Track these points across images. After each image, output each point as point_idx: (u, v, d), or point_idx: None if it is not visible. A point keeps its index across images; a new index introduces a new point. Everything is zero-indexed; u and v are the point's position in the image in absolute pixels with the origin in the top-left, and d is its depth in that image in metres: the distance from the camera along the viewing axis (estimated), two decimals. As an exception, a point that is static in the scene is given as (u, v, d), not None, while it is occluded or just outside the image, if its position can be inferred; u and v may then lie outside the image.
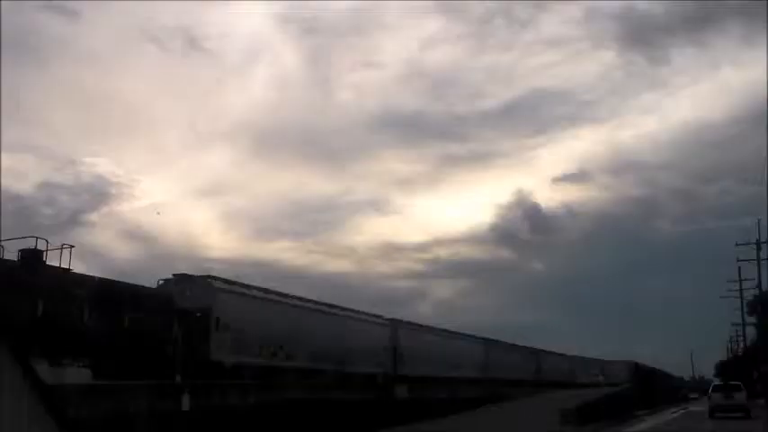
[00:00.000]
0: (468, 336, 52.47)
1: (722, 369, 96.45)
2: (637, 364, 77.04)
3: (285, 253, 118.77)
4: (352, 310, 39.93)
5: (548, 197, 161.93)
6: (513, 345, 60.37)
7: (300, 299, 35.64)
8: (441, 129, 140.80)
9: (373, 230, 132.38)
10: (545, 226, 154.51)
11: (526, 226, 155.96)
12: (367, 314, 41.08)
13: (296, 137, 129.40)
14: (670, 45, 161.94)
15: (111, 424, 18.63)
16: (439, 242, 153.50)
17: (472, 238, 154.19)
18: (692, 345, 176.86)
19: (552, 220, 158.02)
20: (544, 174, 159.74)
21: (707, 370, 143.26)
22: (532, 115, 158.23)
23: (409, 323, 43.30)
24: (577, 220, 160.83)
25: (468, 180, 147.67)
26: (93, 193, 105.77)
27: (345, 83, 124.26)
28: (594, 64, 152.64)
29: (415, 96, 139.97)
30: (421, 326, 44.92)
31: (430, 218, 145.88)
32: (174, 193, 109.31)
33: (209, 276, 29.45)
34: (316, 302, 36.73)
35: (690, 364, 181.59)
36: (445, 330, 49.10)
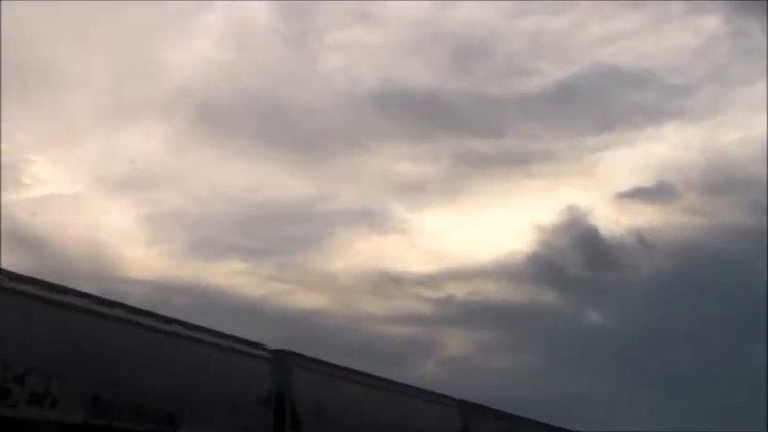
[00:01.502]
0: (433, 394, 33.69)
1: None
2: None
3: (236, 278, 78.21)
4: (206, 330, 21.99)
5: (611, 219, 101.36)
6: (524, 418, 40.59)
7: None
8: (462, 116, 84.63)
9: (363, 253, 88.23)
10: (605, 259, 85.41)
11: (579, 259, 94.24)
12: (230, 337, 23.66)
13: (259, 115, 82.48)
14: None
15: None
16: (454, 275, 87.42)
17: (501, 272, 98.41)
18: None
19: (616, 251, 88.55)
20: (607, 186, 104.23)
21: None
22: (594, 104, 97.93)
23: (315, 361, 24.96)
24: (652, 253, 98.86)
25: (498, 190, 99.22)
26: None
27: (331, 43, 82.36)
28: (688, 33, 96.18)
29: (429, 69, 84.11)
30: (338, 368, 26.37)
31: (443, 240, 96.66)
32: (80, 183, 72.21)
33: None
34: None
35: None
36: (389, 381, 30.53)
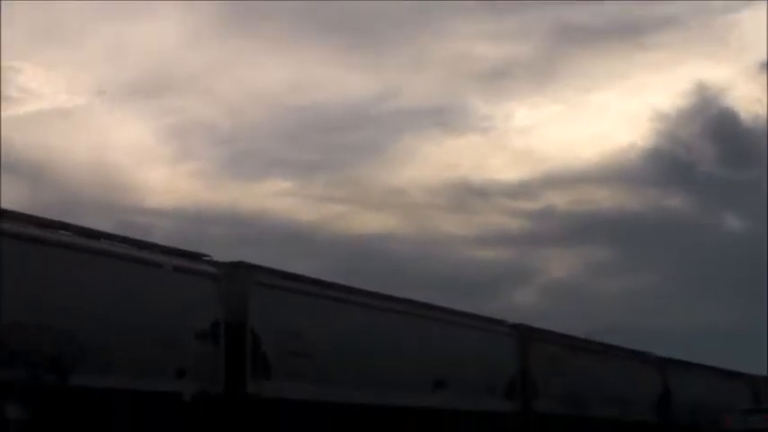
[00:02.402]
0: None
1: None
2: None
3: (280, 200, 62.77)
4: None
5: (752, 98, 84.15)
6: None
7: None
8: None
9: (436, 161, 68.01)
10: (746, 151, 73.21)
11: (711, 152, 79.03)
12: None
13: None
14: None
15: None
16: (553, 181, 74.35)
17: (612, 175, 76.00)
18: None
19: (759, 139, 71.44)
20: (746, 56, 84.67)
21: None
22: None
23: (289, 276, 18.86)
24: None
25: (605, 70, 74.23)
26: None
27: None
28: None
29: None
30: (323, 284, 20.08)
31: (536, 138, 75.20)
32: (82, 92, 56.52)
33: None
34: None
35: None
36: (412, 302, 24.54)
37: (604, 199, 71.66)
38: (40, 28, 48.27)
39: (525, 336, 25.96)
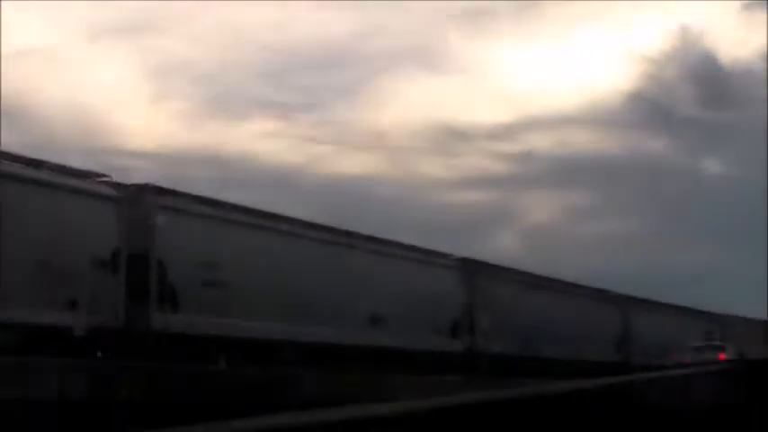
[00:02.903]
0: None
1: None
2: None
3: (263, 142, 64.30)
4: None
5: (735, 39, 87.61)
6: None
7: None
8: None
9: (418, 102, 67.32)
10: (727, 94, 72.52)
11: (693, 94, 78.08)
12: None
13: None
14: None
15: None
16: (534, 123, 75.90)
17: (594, 117, 76.58)
18: None
19: (741, 81, 74.05)
20: None
21: None
22: None
23: (198, 199, 16.67)
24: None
25: (587, 9, 72.82)
26: None
27: None
28: None
29: None
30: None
31: (518, 79, 75.35)
32: (59, 31, 55.37)
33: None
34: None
35: None
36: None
37: (585, 142, 71.44)
38: None
39: (472, 271, 24.53)
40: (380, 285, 20.87)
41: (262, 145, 62.71)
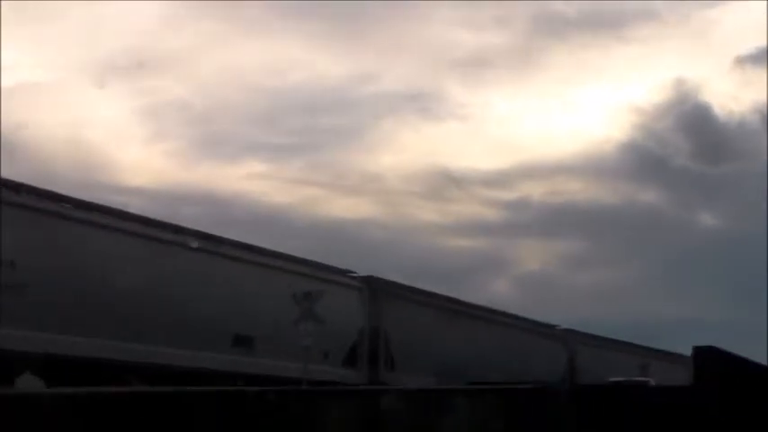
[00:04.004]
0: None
1: None
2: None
3: (255, 183, 64.20)
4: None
5: (728, 94, 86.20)
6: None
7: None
8: None
9: (413, 147, 68.90)
10: (721, 146, 70.90)
11: (687, 146, 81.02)
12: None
13: None
14: None
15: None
16: (529, 171, 74.56)
17: (588, 167, 76.46)
18: None
19: (734, 135, 70.96)
20: (723, 52, 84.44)
21: None
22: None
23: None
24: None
25: (584, 62, 74.24)
26: None
27: None
28: None
29: None
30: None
31: (514, 128, 74.59)
32: (58, 68, 57.39)
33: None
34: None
35: None
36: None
37: (579, 191, 73.09)
38: (20, 3, 47.18)
39: (378, 291, 21.17)
40: (253, 301, 17.48)
41: (254, 186, 63.22)
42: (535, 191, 74.36)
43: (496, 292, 55.57)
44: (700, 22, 69.09)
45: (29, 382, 13.32)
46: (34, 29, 48.10)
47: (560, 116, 76.12)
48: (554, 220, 64.58)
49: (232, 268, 17.26)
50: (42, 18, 48.14)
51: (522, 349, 25.50)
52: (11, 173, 17.05)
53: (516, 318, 27.48)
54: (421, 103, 66.41)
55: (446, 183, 67.11)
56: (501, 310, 27.07)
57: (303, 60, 59.55)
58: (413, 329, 21.40)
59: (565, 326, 30.68)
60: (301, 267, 19.45)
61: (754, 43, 78.51)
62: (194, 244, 16.14)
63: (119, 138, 54.85)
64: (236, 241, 17.95)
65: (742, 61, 75.45)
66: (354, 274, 20.89)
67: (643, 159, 67.36)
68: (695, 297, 62.09)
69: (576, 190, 73.61)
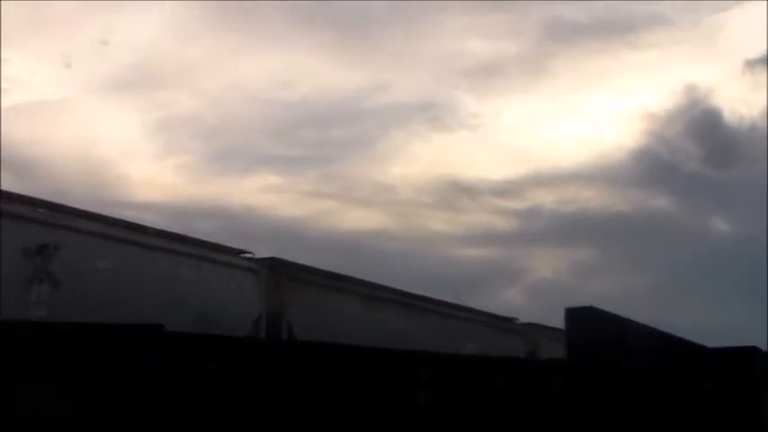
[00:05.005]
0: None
1: None
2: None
3: (268, 196, 64.73)
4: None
5: (739, 99, 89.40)
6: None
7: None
8: None
9: (424, 157, 72.66)
10: (732, 152, 74.74)
11: (698, 152, 73.23)
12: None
13: None
14: None
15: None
16: (540, 180, 64.54)
17: (600, 174, 78.35)
18: None
19: (746, 140, 69.69)
20: (733, 56, 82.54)
21: None
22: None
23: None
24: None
25: (594, 69, 57.43)
26: None
27: None
28: None
29: None
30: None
31: (525, 137, 66.47)
32: (70, 84, 58.22)
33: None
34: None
35: None
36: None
37: (591, 199, 70.62)
38: (30, 19, 45.57)
39: (282, 275, 18.22)
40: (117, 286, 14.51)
41: (266, 199, 60.74)
42: (546, 199, 70.78)
43: (509, 301, 55.34)
44: (710, 27, 67.78)
45: None
46: (44, 45, 48.94)
47: (571, 124, 73.77)
48: (566, 229, 64.26)
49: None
50: (51, 34, 49.28)
51: (461, 340, 22.80)
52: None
53: (460, 308, 24.83)
54: (431, 113, 66.04)
55: (457, 193, 66.04)
56: (444, 300, 24.38)
57: (313, 71, 58.63)
58: (324, 318, 18.46)
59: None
60: (181, 246, 16.50)
61: (764, 47, 74.46)
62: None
63: (130, 153, 55.43)
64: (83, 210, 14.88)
65: (752, 65, 78.77)
66: (250, 255, 17.97)
67: (654, 166, 67.42)
68: (709, 303, 60.67)
69: (588, 198, 71.11)
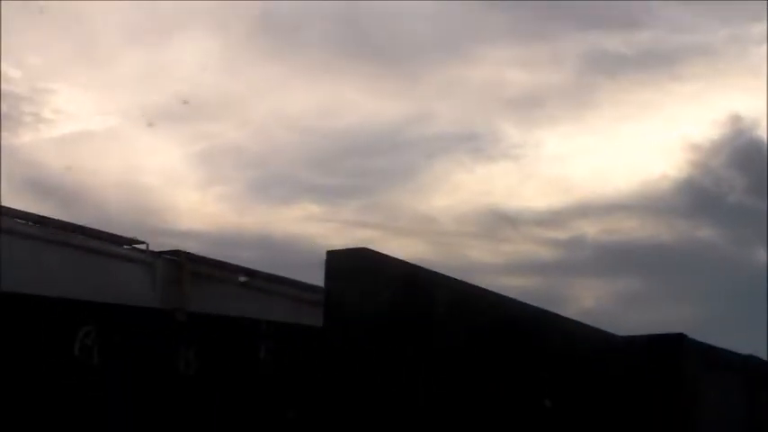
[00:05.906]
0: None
1: None
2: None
3: (310, 225, 61.61)
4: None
5: None
6: None
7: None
8: (588, 6, 76.06)
9: (467, 187, 59.88)
10: None
11: (744, 183, 69.20)
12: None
13: (329, 21, 61.94)
14: None
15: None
16: (585, 210, 60.28)
17: (644, 205, 55.64)
18: None
19: None
20: None
21: None
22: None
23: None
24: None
25: (638, 100, 55.29)
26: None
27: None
28: None
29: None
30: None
31: (568, 167, 60.59)
32: (113, 116, 58.43)
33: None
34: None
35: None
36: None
37: (635, 229, 73.87)
38: (76, 50, 47.34)
39: (183, 268, 16.93)
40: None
41: (309, 228, 63.84)
42: (590, 229, 74.56)
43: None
44: (755, 57, 73.09)
45: None
46: (92, 75, 50.93)
47: (615, 154, 76.97)
48: (609, 259, 67.35)
49: None
50: (99, 64, 51.73)
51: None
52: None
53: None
54: (474, 144, 70.00)
55: (500, 223, 68.72)
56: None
57: (356, 101, 62.00)
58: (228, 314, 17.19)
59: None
60: (64, 236, 15.20)
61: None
62: None
63: (173, 182, 57.33)
64: None
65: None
66: (143, 246, 16.70)
67: (698, 196, 70.97)
68: (753, 334, 62.55)
69: (632, 228, 73.81)
